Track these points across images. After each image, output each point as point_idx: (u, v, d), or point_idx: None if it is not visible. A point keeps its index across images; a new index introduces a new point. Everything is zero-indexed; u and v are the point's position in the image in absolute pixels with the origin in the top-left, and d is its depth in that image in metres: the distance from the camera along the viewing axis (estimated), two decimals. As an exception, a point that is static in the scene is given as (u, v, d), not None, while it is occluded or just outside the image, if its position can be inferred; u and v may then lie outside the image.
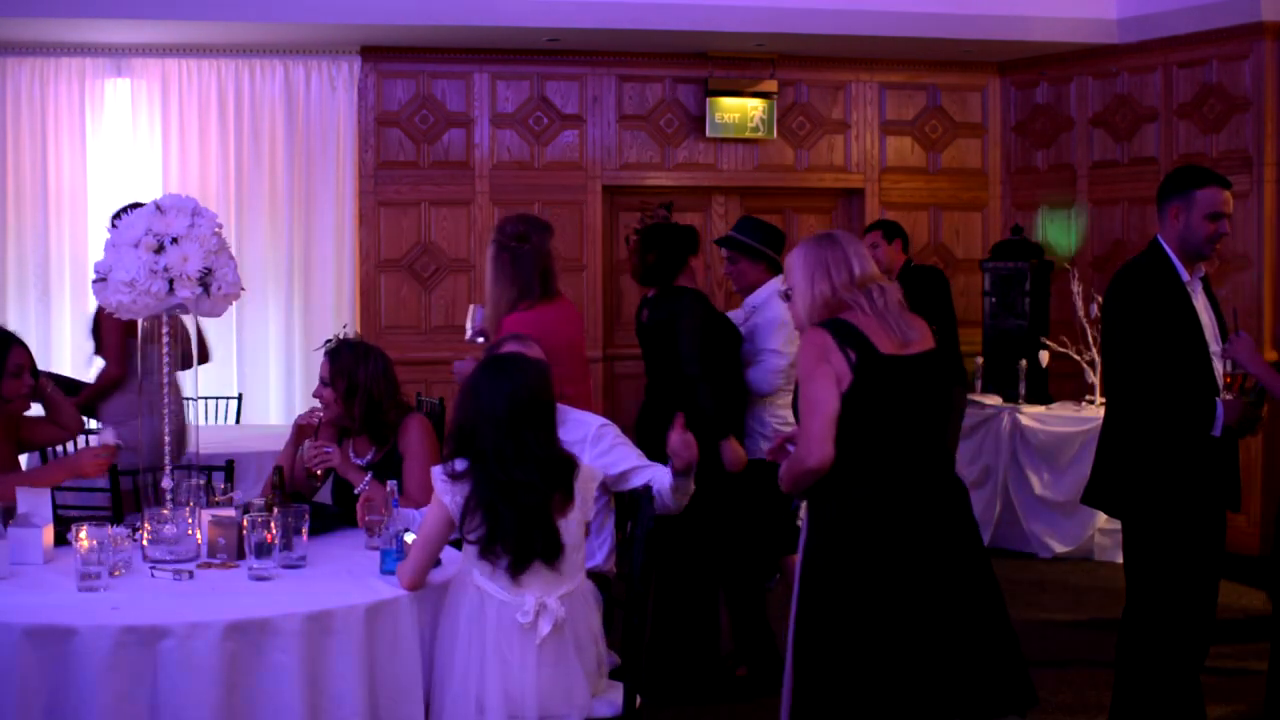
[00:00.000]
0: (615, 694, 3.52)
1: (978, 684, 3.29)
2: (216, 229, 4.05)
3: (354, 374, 4.10)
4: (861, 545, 3.27)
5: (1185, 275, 4.07)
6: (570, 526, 3.31)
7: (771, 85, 8.23)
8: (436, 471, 3.28)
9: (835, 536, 3.31)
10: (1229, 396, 4.03)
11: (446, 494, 3.24)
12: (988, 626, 3.32)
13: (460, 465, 3.26)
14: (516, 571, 3.22)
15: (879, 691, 3.22)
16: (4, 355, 4.25)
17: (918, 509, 3.30)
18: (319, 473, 4.13)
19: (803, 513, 3.50)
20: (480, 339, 4.82)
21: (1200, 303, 4.11)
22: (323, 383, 4.14)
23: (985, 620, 3.32)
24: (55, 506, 3.82)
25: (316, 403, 4.23)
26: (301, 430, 4.19)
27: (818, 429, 3.25)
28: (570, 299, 5.00)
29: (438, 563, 3.40)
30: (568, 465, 3.34)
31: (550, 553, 3.25)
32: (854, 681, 3.24)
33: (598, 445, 4.03)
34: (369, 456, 4.18)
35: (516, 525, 3.21)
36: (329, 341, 4.25)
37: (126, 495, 4.58)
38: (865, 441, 3.29)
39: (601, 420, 4.16)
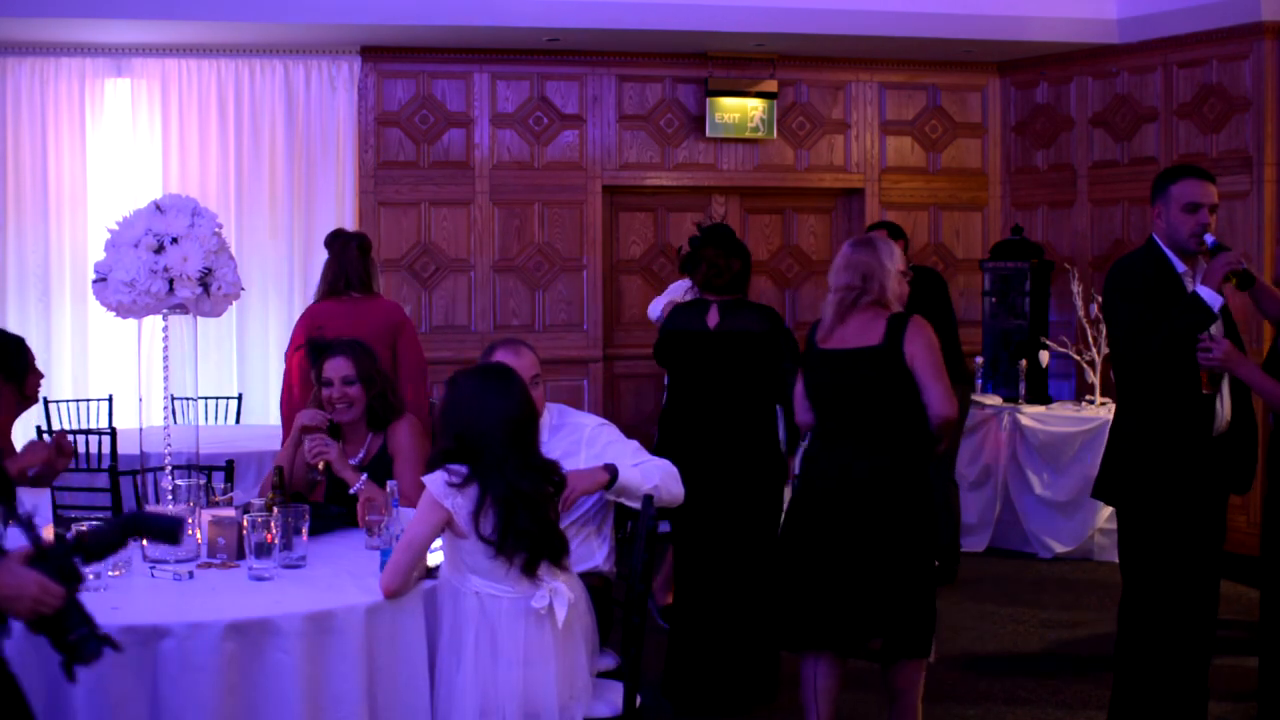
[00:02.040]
0: (615, 694, 3.52)
1: (859, 623, 4.01)
2: (216, 229, 4.06)
3: (370, 371, 4.23)
4: (798, 491, 4.21)
5: (1181, 266, 4.12)
6: (563, 523, 3.43)
7: (771, 85, 8.23)
8: (437, 478, 3.25)
9: (798, 481, 4.28)
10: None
11: (447, 497, 3.22)
12: (882, 581, 3.99)
13: (461, 471, 3.25)
14: (529, 571, 3.25)
15: (786, 604, 4.13)
16: (29, 355, 4.23)
17: (834, 472, 4.06)
18: (320, 467, 4.14)
19: None
20: None
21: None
22: (345, 382, 4.18)
23: (880, 575, 3.99)
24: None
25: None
26: (305, 430, 4.20)
27: (796, 397, 4.29)
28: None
29: (433, 574, 3.37)
30: (553, 468, 3.40)
31: (557, 553, 3.30)
32: (777, 592, 4.20)
33: (593, 446, 4.05)
34: (359, 457, 4.21)
35: (530, 527, 3.23)
36: (332, 344, 4.28)
37: None
38: (815, 411, 4.21)
39: (599, 420, 4.18)
